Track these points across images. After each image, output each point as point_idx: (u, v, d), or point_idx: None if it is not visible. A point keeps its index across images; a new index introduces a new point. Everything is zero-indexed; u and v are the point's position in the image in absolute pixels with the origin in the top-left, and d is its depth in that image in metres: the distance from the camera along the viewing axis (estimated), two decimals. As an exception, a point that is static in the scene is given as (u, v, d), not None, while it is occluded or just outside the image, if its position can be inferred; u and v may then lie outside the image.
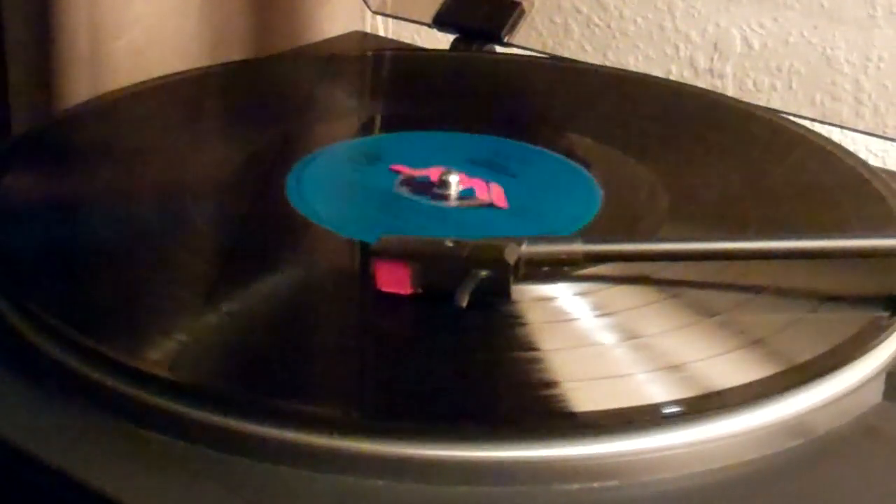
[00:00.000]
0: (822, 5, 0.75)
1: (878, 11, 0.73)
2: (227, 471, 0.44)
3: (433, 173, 0.60)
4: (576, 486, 0.44)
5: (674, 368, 0.48)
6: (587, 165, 0.63)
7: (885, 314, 0.51)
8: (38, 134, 0.67)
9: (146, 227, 0.57)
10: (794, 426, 0.47)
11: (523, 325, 0.50)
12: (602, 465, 0.45)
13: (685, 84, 0.77)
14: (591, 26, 0.83)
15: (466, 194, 0.59)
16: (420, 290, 0.50)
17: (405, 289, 0.50)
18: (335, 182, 0.62)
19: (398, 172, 0.61)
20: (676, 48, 0.81)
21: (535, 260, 0.51)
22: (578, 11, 0.83)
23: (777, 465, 0.46)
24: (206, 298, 0.52)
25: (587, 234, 0.55)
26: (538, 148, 0.65)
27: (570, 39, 0.84)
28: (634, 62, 0.82)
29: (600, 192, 0.60)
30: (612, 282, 0.53)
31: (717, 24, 0.79)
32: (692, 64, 0.81)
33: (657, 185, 0.61)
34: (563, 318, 0.51)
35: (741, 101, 0.74)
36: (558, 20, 0.84)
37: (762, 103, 0.76)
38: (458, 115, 0.69)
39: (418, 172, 0.61)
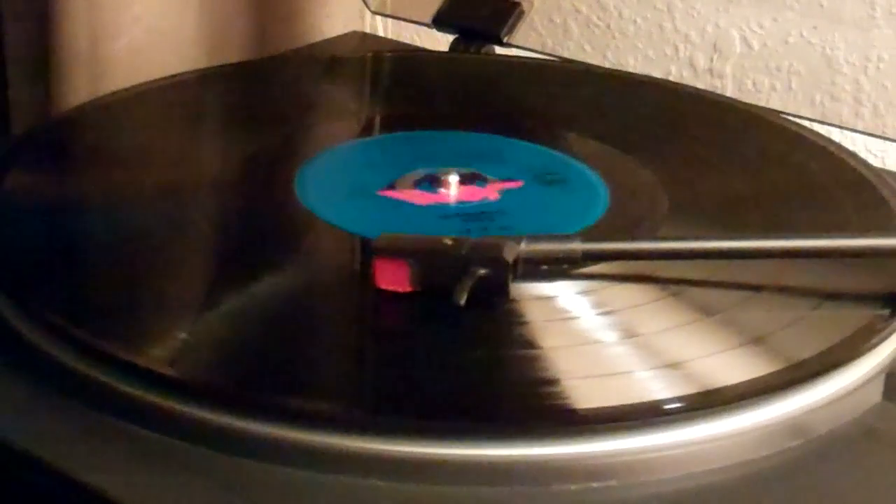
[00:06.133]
0: (822, 5, 0.75)
1: (877, 11, 0.73)
2: (227, 471, 0.44)
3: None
4: (575, 486, 0.44)
5: (673, 366, 0.48)
6: (587, 165, 0.63)
7: (885, 314, 0.51)
8: (38, 134, 0.68)
9: (147, 227, 0.57)
10: (794, 426, 0.47)
11: (522, 323, 0.50)
12: (602, 465, 0.45)
13: (685, 84, 0.77)
14: (591, 26, 0.83)
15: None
16: (419, 288, 0.50)
17: (404, 286, 0.51)
18: (340, 182, 0.62)
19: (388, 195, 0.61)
20: (676, 48, 0.81)
21: (534, 258, 0.51)
22: (578, 11, 0.83)
23: (777, 465, 0.46)
24: (205, 296, 0.52)
25: (589, 234, 0.55)
26: (539, 147, 0.65)
27: (570, 39, 0.84)
28: (634, 62, 0.82)
29: (603, 192, 0.60)
30: (611, 280, 0.53)
31: (717, 25, 0.79)
32: (692, 64, 0.81)
33: (657, 185, 0.61)
34: (562, 317, 0.51)
35: (741, 102, 0.74)
36: (557, 20, 0.84)
37: (762, 103, 0.76)
38: (459, 115, 0.69)
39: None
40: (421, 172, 0.61)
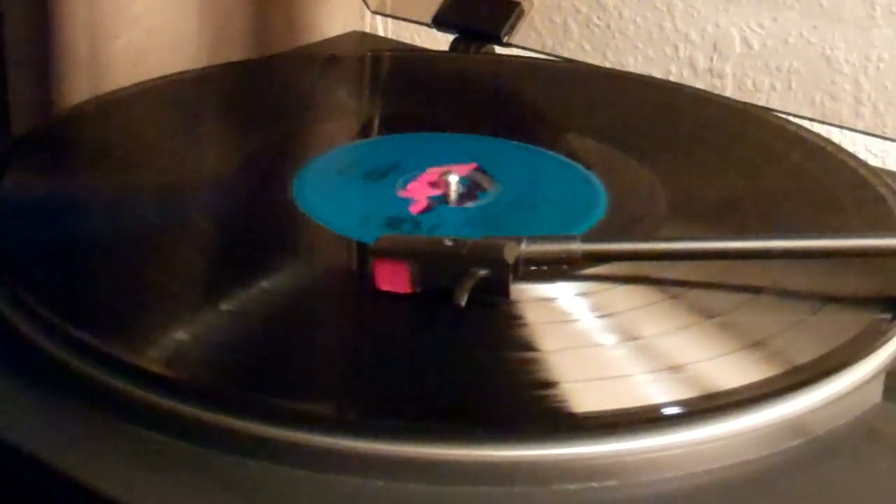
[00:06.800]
0: (822, 5, 0.75)
1: (877, 11, 0.73)
2: (227, 471, 0.44)
3: (433, 174, 0.60)
4: (575, 486, 0.44)
5: (674, 369, 0.48)
6: (588, 166, 0.63)
7: (886, 315, 0.51)
8: (38, 134, 0.68)
9: (146, 227, 0.57)
10: (794, 426, 0.47)
11: (522, 324, 0.50)
12: (602, 465, 0.45)
13: (685, 84, 0.77)
14: (591, 26, 0.83)
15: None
16: (419, 289, 0.50)
17: (404, 288, 0.50)
18: (339, 183, 0.62)
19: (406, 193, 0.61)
20: (676, 48, 0.81)
21: (534, 259, 0.51)
22: (578, 11, 0.83)
23: (777, 465, 0.46)
24: (205, 296, 0.52)
25: (589, 235, 0.55)
26: (539, 149, 0.65)
27: (570, 39, 0.84)
28: (634, 62, 0.82)
29: (603, 193, 0.60)
30: (611, 282, 0.53)
31: (717, 24, 0.79)
32: (692, 64, 0.81)
33: (657, 186, 0.61)
34: (562, 318, 0.51)
35: (741, 102, 0.74)
36: (557, 20, 0.84)
37: (762, 103, 0.76)
38: (458, 115, 0.69)
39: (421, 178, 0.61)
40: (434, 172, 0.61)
